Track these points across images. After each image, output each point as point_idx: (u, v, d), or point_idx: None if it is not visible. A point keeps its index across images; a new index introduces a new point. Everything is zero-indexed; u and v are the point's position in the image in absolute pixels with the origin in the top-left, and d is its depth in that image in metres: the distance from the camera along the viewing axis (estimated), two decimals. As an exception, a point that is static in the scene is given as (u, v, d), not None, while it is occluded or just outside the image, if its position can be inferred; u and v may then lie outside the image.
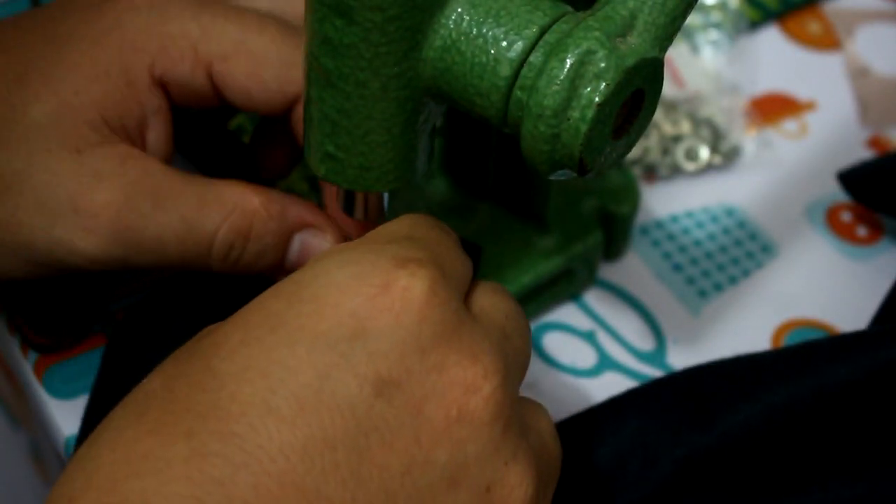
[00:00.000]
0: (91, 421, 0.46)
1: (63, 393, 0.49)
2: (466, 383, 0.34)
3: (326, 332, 0.34)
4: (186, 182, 0.44)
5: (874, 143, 0.63)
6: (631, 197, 0.54)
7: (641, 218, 0.58)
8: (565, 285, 0.54)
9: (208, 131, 0.53)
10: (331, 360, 0.33)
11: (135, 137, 0.44)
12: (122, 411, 0.34)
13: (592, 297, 0.55)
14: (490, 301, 0.38)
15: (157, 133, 0.45)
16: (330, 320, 0.34)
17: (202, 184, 0.44)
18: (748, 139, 0.62)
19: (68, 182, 0.43)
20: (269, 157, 0.50)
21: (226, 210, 0.44)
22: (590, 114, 0.37)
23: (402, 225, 0.39)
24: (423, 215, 0.40)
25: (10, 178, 0.43)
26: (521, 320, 0.39)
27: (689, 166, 0.60)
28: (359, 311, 0.34)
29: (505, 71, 0.38)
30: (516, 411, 0.36)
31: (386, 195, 0.44)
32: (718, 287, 0.56)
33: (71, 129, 0.43)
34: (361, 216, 0.44)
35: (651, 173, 0.60)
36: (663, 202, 0.59)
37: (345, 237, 0.47)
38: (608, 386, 0.51)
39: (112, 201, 0.43)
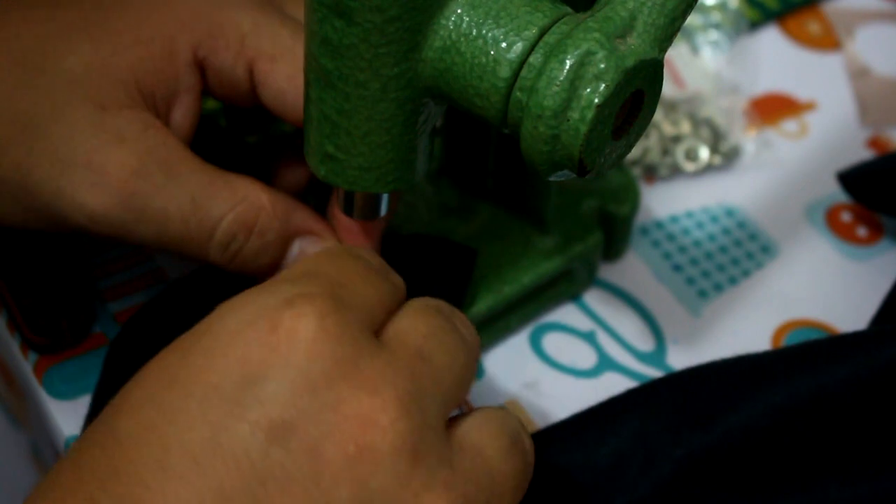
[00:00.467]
0: None
1: (63, 393, 0.49)
2: (363, 417, 0.34)
3: (218, 383, 0.34)
4: (201, 164, 0.44)
5: (874, 143, 0.63)
6: (631, 197, 0.54)
7: (641, 218, 0.58)
8: (565, 285, 0.54)
9: (224, 143, 0.53)
10: (223, 410, 0.33)
11: (161, 110, 0.44)
12: (49, 475, 0.35)
13: (592, 298, 0.55)
14: (408, 322, 0.37)
15: (184, 111, 0.45)
16: (221, 370, 0.34)
17: (216, 170, 0.44)
18: (748, 139, 0.62)
19: (87, 136, 0.42)
20: (289, 171, 0.50)
21: (235, 199, 0.44)
22: (589, 115, 0.37)
23: (306, 262, 0.38)
24: (338, 246, 0.40)
25: (31, 121, 0.43)
26: (445, 336, 0.37)
27: (689, 166, 0.60)
28: (248, 357, 0.34)
29: (504, 72, 0.38)
30: (433, 437, 0.35)
31: (386, 196, 0.44)
32: (718, 287, 0.56)
33: (101, 85, 0.43)
34: (361, 217, 0.45)
35: (651, 174, 0.60)
36: (663, 202, 0.59)
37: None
38: (608, 386, 0.51)
39: (126, 164, 0.42)
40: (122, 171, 0.42)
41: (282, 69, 0.44)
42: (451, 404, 0.37)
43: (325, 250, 0.40)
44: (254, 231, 0.44)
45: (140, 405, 0.34)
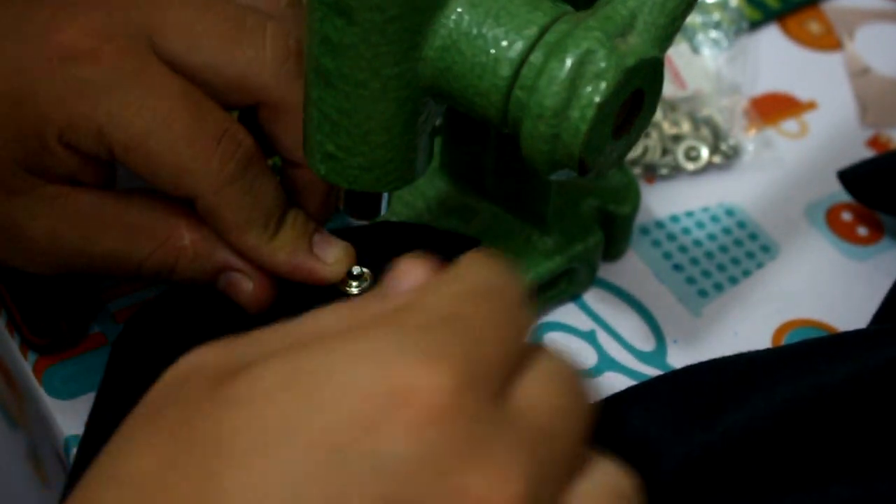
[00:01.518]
0: (94, 428, 0.46)
1: (62, 393, 0.49)
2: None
3: (340, 447, 0.31)
4: (120, 212, 0.46)
5: (874, 143, 0.63)
6: (631, 197, 0.54)
7: (641, 218, 0.58)
8: (565, 285, 0.53)
9: None
10: (341, 479, 0.31)
11: (65, 178, 0.46)
12: (116, 493, 0.32)
13: (592, 297, 0.55)
14: (540, 392, 0.34)
15: (90, 178, 0.46)
16: (344, 433, 0.32)
17: (137, 213, 0.46)
18: (748, 139, 0.62)
19: (7, 216, 0.46)
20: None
21: (154, 244, 0.46)
22: (590, 113, 0.37)
23: (444, 296, 0.35)
24: (482, 280, 0.35)
25: None
26: (571, 416, 0.35)
27: (690, 166, 0.60)
28: (374, 423, 0.32)
29: (505, 71, 0.38)
30: None
31: (386, 195, 0.44)
32: (719, 287, 0.56)
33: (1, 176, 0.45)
34: (361, 217, 0.45)
35: (651, 173, 0.60)
36: (663, 202, 0.59)
37: (270, 285, 0.47)
38: (608, 386, 0.50)
39: (43, 236, 0.46)
40: (44, 241, 0.46)
41: (137, 159, 0.45)
42: (563, 487, 0.35)
43: (469, 284, 0.35)
44: (175, 270, 0.47)
45: (251, 456, 0.32)
